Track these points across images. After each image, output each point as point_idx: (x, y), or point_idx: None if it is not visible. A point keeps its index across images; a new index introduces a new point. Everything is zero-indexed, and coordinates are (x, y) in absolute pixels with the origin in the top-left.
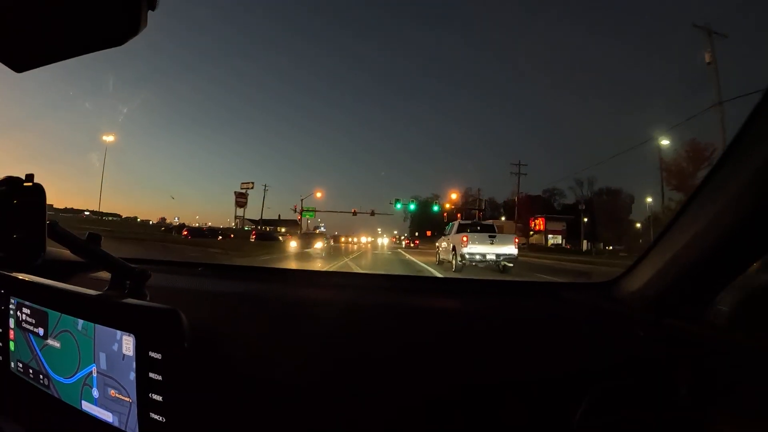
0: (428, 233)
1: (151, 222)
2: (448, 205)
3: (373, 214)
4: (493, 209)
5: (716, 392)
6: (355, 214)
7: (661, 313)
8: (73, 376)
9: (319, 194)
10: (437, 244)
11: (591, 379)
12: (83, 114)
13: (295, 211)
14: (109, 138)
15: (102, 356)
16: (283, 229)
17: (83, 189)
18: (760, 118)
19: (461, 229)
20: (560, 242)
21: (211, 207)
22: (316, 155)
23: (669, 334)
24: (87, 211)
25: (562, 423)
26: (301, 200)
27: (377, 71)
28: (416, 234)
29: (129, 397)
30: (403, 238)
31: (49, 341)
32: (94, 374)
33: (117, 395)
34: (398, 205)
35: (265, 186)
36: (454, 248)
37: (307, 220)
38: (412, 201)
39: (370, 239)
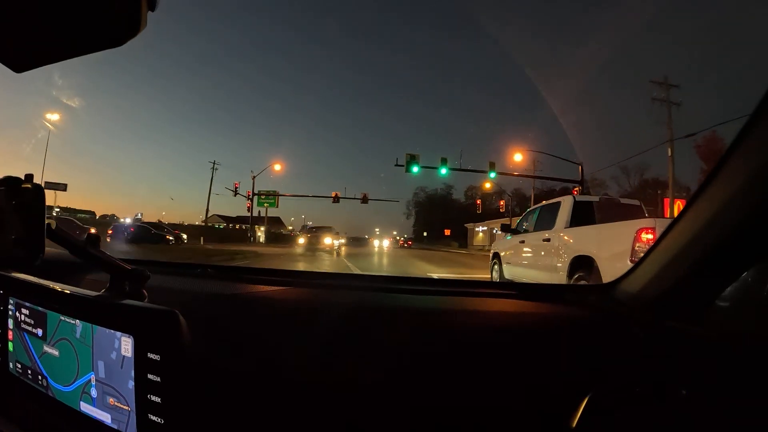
0: (447, 232)
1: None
2: (488, 185)
3: (365, 200)
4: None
5: (716, 393)
6: (336, 200)
7: (662, 314)
8: (72, 384)
9: (278, 167)
10: (496, 250)
11: (591, 379)
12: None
13: (235, 192)
14: (53, 116)
15: (100, 364)
16: (261, 229)
17: (79, 189)
18: (759, 121)
19: (583, 214)
20: None
21: (201, 204)
22: (295, 131)
23: (669, 336)
24: (57, 207)
25: (563, 423)
26: (252, 179)
27: (368, 38)
28: (425, 234)
29: (128, 405)
30: (399, 239)
31: (48, 349)
32: (93, 382)
33: (115, 403)
34: (414, 169)
35: (214, 163)
36: (583, 261)
37: (266, 209)
38: (444, 163)
39: (340, 241)
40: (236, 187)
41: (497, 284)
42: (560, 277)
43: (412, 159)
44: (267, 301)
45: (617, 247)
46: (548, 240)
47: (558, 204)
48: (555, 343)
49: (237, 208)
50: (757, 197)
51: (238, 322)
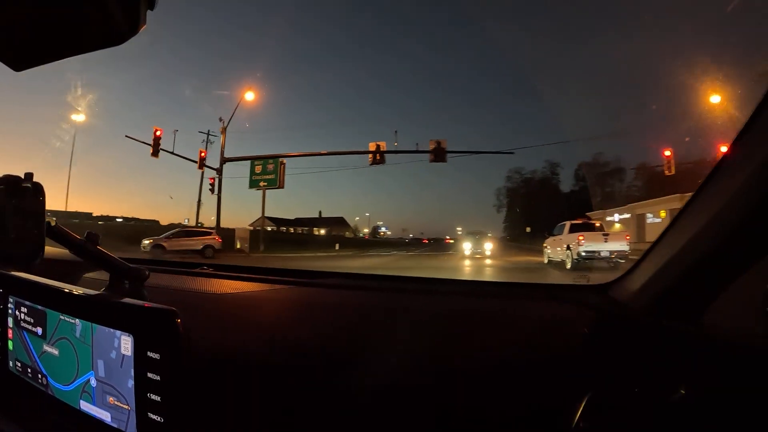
0: (579, 221)
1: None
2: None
3: (440, 155)
4: None
5: (715, 393)
6: (378, 159)
7: (661, 314)
8: (72, 383)
9: (250, 95)
10: (545, 245)
11: (590, 379)
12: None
13: (200, 164)
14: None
15: (100, 363)
16: (321, 231)
17: (85, 190)
18: (760, 119)
19: (576, 229)
20: None
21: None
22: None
23: (668, 335)
24: (47, 211)
25: (562, 423)
26: (222, 131)
27: None
28: (527, 230)
29: (128, 404)
30: (447, 238)
31: (48, 348)
32: (93, 382)
33: (115, 402)
34: None
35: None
36: (568, 247)
37: (263, 189)
38: None
39: None
40: (202, 158)
41: (496, 284)
42: (567, 255)
43: None
44: (267, 299)
45: (591, 243)
46: (561, 239)
47: (564, 224)
48: (554, 343)
49: (298, 208)
50: (757, 196)
51: (237, 320)
